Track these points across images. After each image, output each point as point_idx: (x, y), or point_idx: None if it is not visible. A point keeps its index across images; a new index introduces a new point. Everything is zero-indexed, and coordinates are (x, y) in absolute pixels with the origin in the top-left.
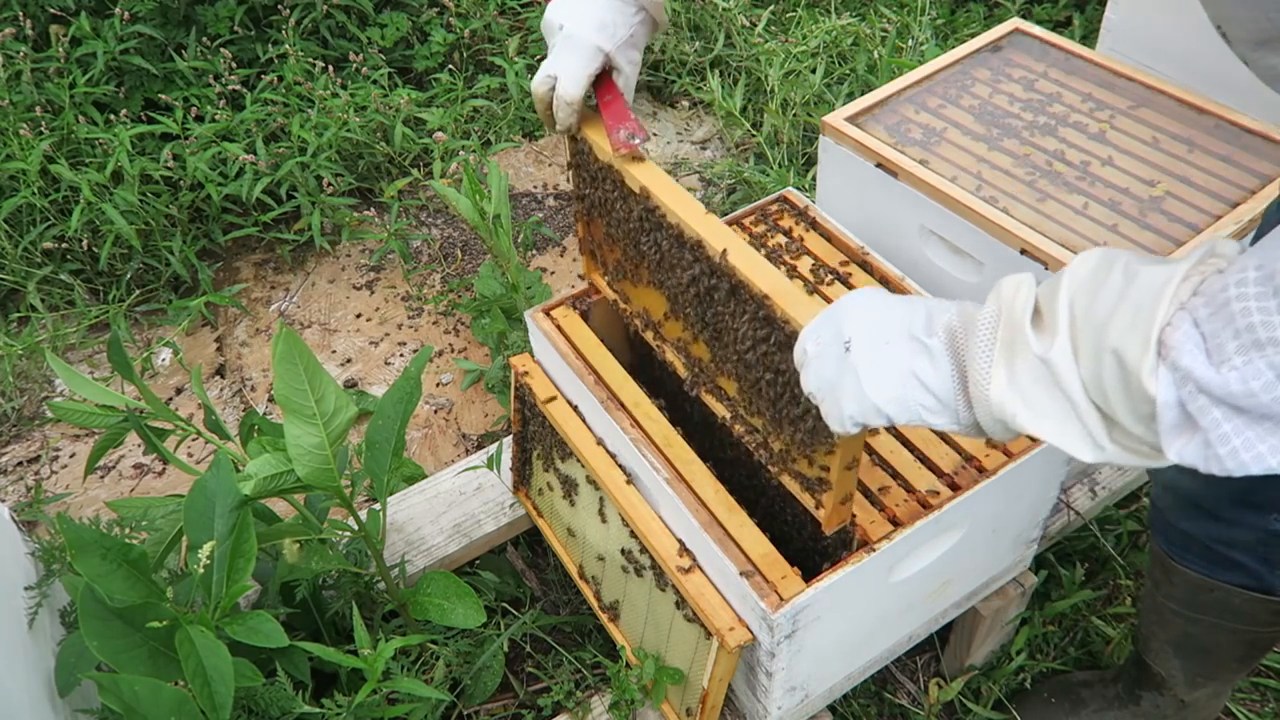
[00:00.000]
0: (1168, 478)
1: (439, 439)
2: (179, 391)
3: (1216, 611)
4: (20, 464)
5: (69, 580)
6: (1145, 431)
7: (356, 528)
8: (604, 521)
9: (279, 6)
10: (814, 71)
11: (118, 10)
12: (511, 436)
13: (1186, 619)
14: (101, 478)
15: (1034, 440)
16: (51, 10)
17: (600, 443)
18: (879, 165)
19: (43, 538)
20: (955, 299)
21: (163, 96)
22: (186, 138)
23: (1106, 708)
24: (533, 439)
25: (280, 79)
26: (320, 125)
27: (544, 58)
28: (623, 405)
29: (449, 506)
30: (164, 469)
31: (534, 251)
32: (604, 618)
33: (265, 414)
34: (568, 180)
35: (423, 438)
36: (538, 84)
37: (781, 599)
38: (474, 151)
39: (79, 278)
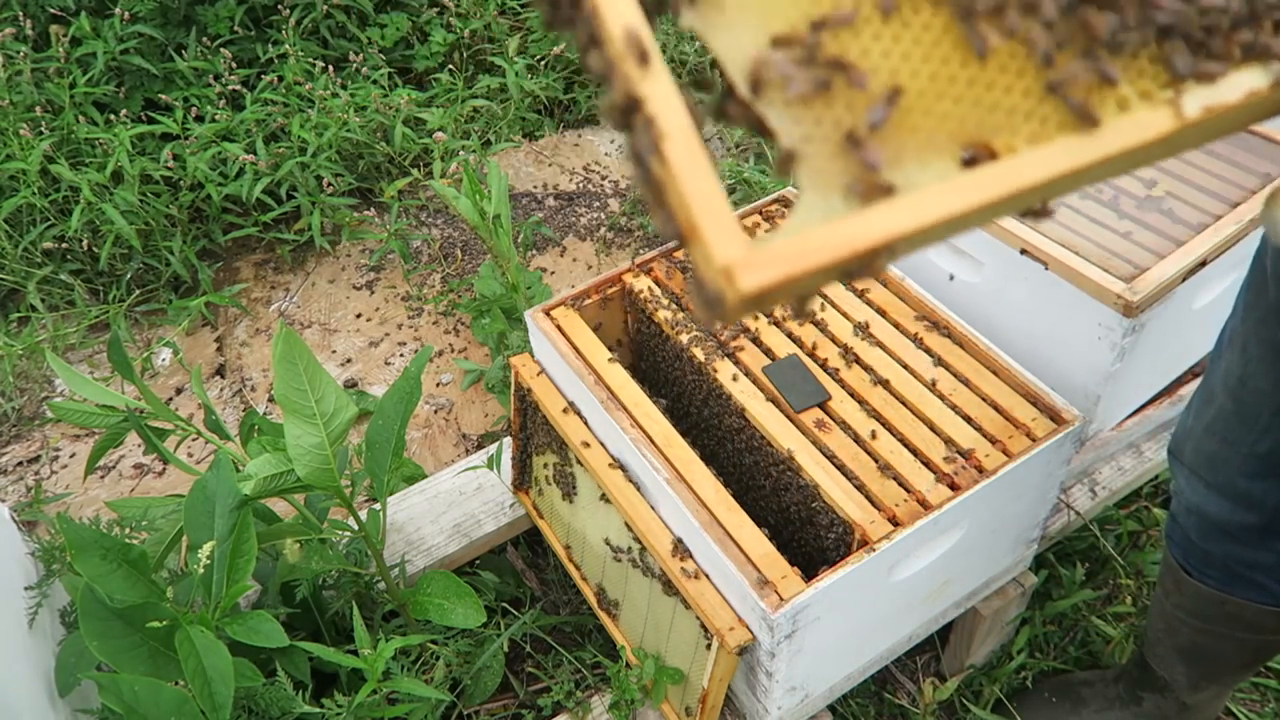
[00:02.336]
0: (1193, 502)
1: (439, 439)
2: (179, 391)
3: (1227, 623)
4: (20, 464)
5: (69, 580)
6: None
7: (356, 528)
8: (603, 521)
9: (279, 6)
10: None
11: (118, 10)
12: (511, 436)
13: (1195, 629)
14: (101, 478)
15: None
16: (51, 10)
17: (600, 443)
18: None
19: (43, 538)
20: (954, 300)
21: (163, 96)
22: (186, 138)
23: (1108, 708)
24: (532, 439)
25: (280, 79)
26: (320, 125)
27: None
28: (623, 405)
29: (449, 506)
30: (164, 469)
31: (534, 251)
32: (604, 617)
33: (265, 414)
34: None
35: (423, 438)
36: None
37: (781, 599)
38: (474, 151)
39: (79, 278)
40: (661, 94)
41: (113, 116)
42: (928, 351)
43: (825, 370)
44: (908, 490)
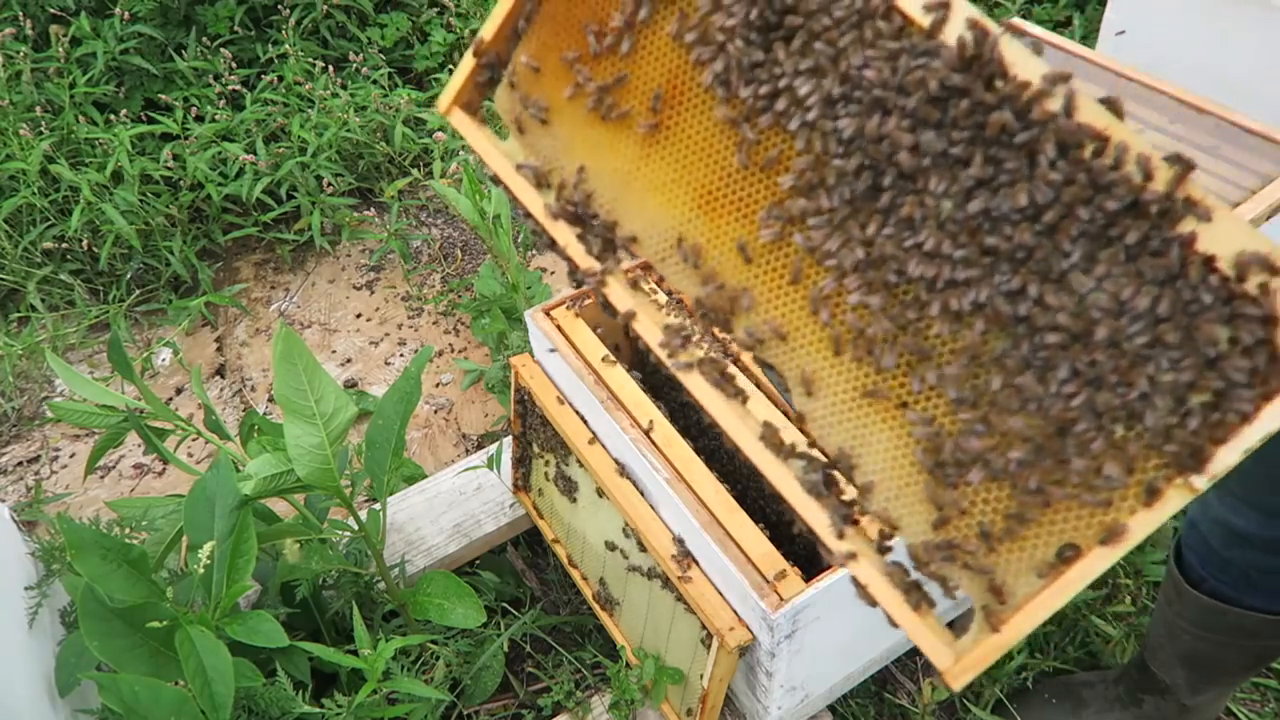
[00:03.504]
0: (1220, 514)
1: (439, 439)
2: (179, 391)
3: (1229, 632)
4: (20, 464)
5: (69, 580)
6: None
7: (356, 528)
8: (603, 522)
9: (279, 6)
10: None
11: (118, 10)
12: (511, 436)
13: (1196, 636)
14: (101, 478)
15: None
16: (51, 10)
17: (599, 442)
18: None
19: (43, 538)
20: None
21: (163, 96)
22: (186, 138)
23: (1108, 709)
24: (532, 439)
25: (280, 79)
26: (320, 125)
27: None
28: (623, 405)
29: (449, 506)
30: (164, 469)
31: (534, 251)
32: (604, 617)
33: (265, 414)
34: None
35: (423, 438)
36: None
37: (781, 599)
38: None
39: (79, 278)
40: (924, 631)
41: (113, 116)
42: None
43: None
44: None
